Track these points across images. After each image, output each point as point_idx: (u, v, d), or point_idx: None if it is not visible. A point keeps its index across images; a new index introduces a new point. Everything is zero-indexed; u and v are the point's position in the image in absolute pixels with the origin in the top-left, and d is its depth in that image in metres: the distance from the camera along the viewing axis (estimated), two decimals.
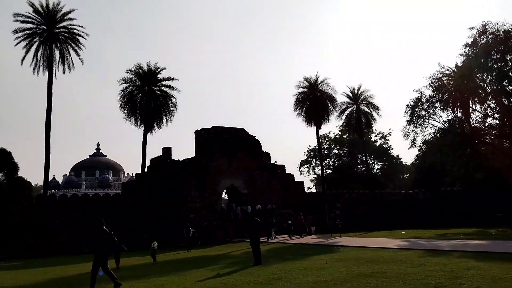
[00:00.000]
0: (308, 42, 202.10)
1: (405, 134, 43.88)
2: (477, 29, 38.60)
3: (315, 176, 62.45)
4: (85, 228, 29.59)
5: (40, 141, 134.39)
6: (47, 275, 15.23)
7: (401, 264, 12.27)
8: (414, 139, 42.88)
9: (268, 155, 39.91)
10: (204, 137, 35.14)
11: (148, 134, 31.08)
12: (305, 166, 62.01)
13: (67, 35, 29.31)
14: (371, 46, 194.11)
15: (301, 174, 62.52)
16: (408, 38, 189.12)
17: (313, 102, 38.10)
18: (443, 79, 41.66)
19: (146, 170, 33.04)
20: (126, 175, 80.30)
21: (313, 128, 38.89)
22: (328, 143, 62.91)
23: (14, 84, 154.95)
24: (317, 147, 62.51)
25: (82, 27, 30.27)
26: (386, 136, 63.33)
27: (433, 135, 41.97)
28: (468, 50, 40.29)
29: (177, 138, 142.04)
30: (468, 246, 16.75)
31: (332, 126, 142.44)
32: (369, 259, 14.12)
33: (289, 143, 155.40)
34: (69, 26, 30.19)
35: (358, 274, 10.69)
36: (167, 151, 35.56)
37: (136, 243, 28.51)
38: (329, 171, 62.90)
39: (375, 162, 65.48)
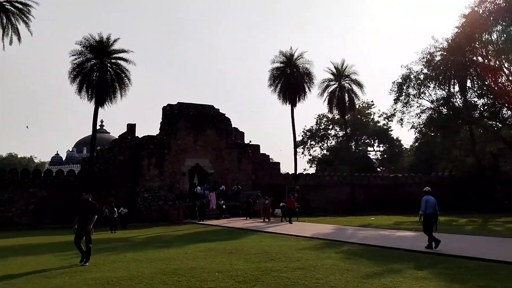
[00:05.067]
0: (290, 12, 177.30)
1: (391, 114, 41.34)
2: None
3: (310, 157, 60.12)
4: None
5: (51, 120, 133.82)
6: None
7: (252, 258, 10.51)
8: (401, 119, 40.26)
9: (242, 134, 38.15)
10: (168, 113, 33.66)
11: (100, 108, 29.72)
12: (301, 147, 59.65)
13: (14, 4, 28.11)
14: (358, 19, 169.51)
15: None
16: (400, 7, 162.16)
17: (287, 78, 35.76)
18: (436, 54, 38.30)
19: (98, 147, 31.96)
20: None
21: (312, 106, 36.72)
22: (325, 123, 60.15)
23: None
24: (314, 127, 60.68)
25: None
26: (389, 116, 59.82)
27: (421, 115, 39.04)
28: (464, 21, 36.67)
29: (149, 115, 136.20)
30: (378, 239, 14.70)
31: (312, 104, 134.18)
32: (242, 250, 12.37)
33: (280, 123, 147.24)
34: None
35: (167, 271, 8.96)
36: (131, 127, 34.36)
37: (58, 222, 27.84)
38: (326, 152, 60.57)
39: (377, 145, 62.35)
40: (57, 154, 77.09)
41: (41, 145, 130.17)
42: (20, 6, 28.09)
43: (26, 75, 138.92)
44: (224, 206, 29.26)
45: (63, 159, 77.23)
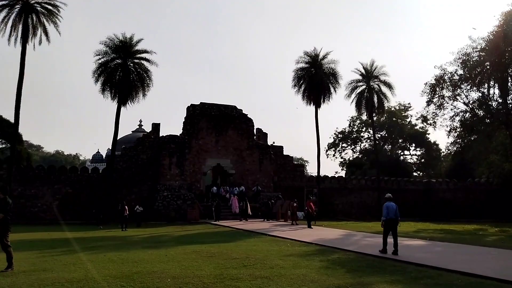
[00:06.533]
0: (316, 11, 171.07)
1: (423, 117, 39.38)
2: None
3: (342, 159, 58.50)
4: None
5: (89, 120, 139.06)
6: None
7: (226, 263, 10.02)
8: (434, 122, 38.21)
9: (265, 135, 37.63)
10: (190, 113, 33.70)
11: (123, 108, 30.07)
12: (332, 149, 58.22)
13: (44, 6, 29.00)
14: (388, 20, 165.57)
15: (327, 157, 58.87)
16: (432, 8, 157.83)
17: (312, 78, 34.83)
18: (473, 54, 35.93)
19: (118, 145, 32.47)
20: None
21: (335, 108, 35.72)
22: (359, 125, 58.34)
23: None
24: (346, 129, 59.05)
25: None
26: (423, 119, 57.16)
27: (455, 118, 36.75)
28: (504, 20, 34.11)
29: (175, 115, 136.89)
30: (378, 247, 13.70)
31: (338, 105, 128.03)
32: (225, 254, 11.90)
33: (306, 125, 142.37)
34: None
35: (125, 275, 8.66)
36: (155, 126, 34.85)
37: (81, 218, 28.20)
38: (358, 155, 58.77)
39: (413, 148, 59.71)
40: (98, 152, 79.71)
41: (87, 143, 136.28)
42: (49, 7, 28.93)
43: (66, 74, 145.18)
44: (245, 207, 28.25)
45: (103, 156, 79.90)
